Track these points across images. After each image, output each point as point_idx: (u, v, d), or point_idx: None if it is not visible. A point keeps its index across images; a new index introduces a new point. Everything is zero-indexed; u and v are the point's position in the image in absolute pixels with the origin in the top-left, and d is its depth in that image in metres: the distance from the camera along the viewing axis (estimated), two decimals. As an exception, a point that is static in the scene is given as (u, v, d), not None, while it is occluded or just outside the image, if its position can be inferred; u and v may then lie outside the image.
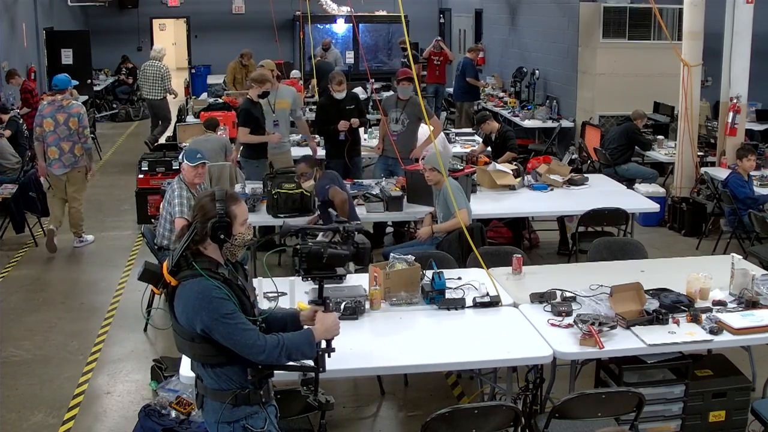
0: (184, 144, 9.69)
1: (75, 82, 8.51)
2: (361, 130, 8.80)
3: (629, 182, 9.08)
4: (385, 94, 11.79)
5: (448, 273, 4.84)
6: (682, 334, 4.19)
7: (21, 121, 10.61)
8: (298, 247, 3.32)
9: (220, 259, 3.14)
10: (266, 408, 3.21)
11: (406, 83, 7.78)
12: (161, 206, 6.35)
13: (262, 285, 4.67)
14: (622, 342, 4.12)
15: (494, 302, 4.60)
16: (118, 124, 16.34)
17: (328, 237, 3.38)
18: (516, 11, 14.86)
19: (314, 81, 13.11)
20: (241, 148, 8.03)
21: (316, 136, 8.71)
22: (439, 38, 15.13)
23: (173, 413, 4.53)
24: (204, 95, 13.66)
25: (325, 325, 3.23)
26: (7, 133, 9.69)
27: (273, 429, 3.24)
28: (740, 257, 4.95)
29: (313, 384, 3.27)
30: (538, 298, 4.60)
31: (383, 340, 4.19)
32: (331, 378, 3.69)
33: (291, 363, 3.21)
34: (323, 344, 3.24)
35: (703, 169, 9.07)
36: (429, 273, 4.74)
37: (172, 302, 3.10)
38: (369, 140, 9.52)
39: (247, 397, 3.12)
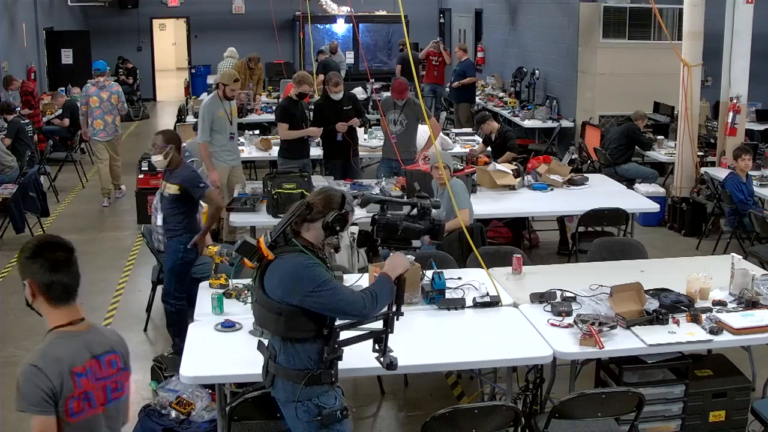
0: (184, 144, 9.69)
1: (108, 67, 10.53)
2: (361, 130, 8.79)
3: (629, 182, 9.08)
4: (385, 94, 11.78)
5: (448, 273, 4.84)
6: (682, 334, 4.19)
7: (26, 121, 10.65)
8: (376, 216, 3.48)
9: (316, 243, 3.36)
10: (334, 388, 3.38)
11: (396, 96, 7.81)
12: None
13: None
14: (622, 342, 4.12)
15: (494, 302, 4.61)
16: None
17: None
18: (516, 11, 14.86)
19: (320, 78, 13.06)
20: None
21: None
22: (438, 39, 15.09)
23: (173, 413, 4.53)
24: (204, 95, 13.65)
25: (393, 262, 3.41)
26: (7, 141, 9.73)
27: (340, 406, 3.37)
28: (740, 257, 4.94)
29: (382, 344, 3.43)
30: (538, 298, 4.60)
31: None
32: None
33: (361, 333, 3.41)
34: (393, 308, 3.40)
35: (703, 169, 9.07)
36: (429, 273, 4.74)
37: (261, 277, 3.31)
38: (369, 140, 9.52)
39: (318, 378, 3.30)
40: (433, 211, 3.48)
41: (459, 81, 13.05)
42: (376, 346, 3.43)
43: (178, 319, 5.59)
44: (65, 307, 2.66)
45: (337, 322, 3.35)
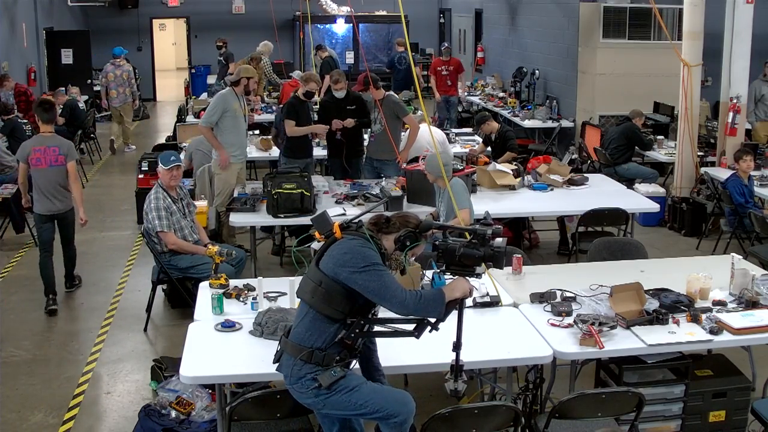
0: (184, 144, 9.69)
1: (125, 51, 13.79)
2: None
3: (629, 182, 9.08)
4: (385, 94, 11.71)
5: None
6: (682, 334, 4.19)
7: (24, 121, 10.65)
8: (437, 242, 3.54)
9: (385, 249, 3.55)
10: (333, 367, 3.44)
11: (362, 89, 7.86)
12: None
13: (262, 285, 4.68)
14: (622, 342, 4.12)
15: (494, 302, 4.61)
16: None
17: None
18: (516, 11, 14.86)
19: (327, 78, 12.91)
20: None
21: None
22: (446, 45, 14.63)
23: (173, 413, 4.54)
24: (204, 95, 13.67)
25: (453, 285, 3.49)
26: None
27: (340, 375, 3.44)
28: (740, 257, 4.95)
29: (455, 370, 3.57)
30: (538, 298, 4.60)
31: (383, 339, 4.18)
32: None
33: (386, 329, 3.62)
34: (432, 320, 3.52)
35: (703, 169, 9.07)
36: (429, 273, 4.74)
37: (322, 253, 3.49)
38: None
39: (321, 359, 3.42)
40: (497, 239, 3.47)
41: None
42: (449, 374, 3.58)
43: None
44: (43, 125, 6.52)
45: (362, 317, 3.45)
